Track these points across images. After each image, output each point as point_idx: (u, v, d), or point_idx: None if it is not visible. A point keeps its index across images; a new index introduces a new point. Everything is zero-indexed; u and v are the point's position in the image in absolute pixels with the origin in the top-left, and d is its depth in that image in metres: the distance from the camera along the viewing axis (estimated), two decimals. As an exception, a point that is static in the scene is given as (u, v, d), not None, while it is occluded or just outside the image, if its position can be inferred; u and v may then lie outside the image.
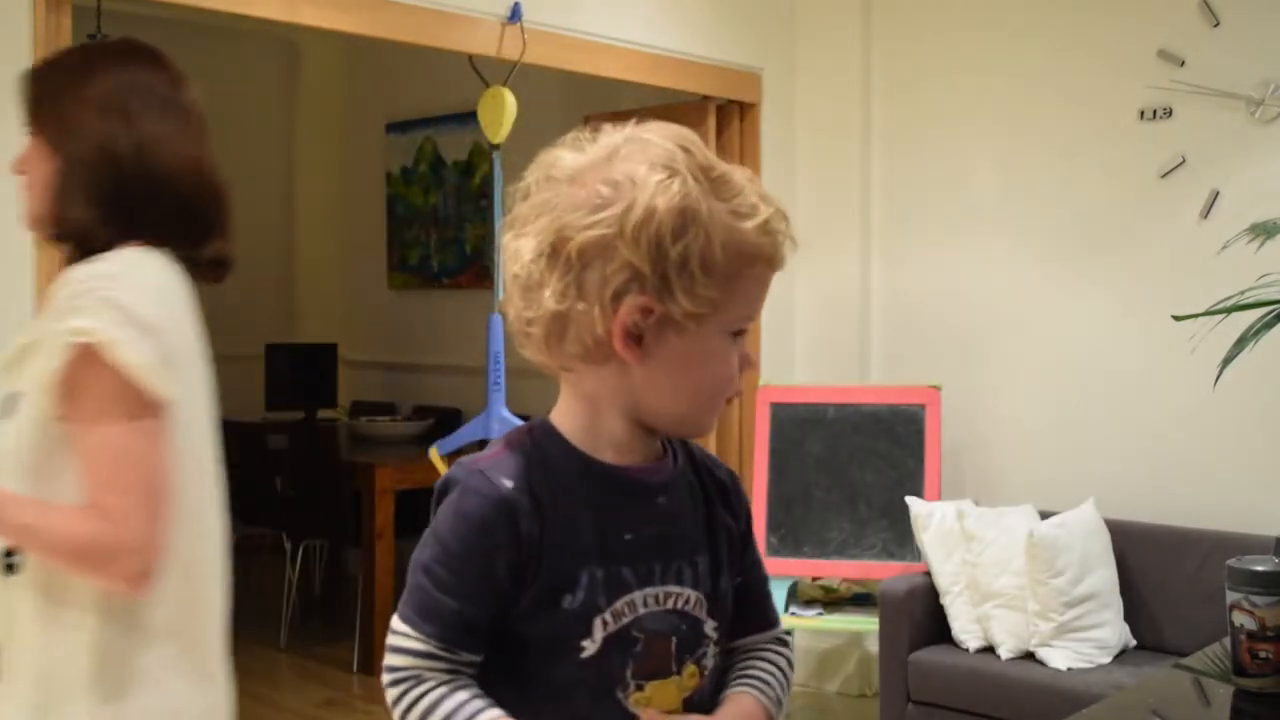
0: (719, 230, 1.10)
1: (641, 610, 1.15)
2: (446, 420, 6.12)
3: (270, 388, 6.69)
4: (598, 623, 1.13)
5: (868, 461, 4.32)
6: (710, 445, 4.69)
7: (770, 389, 4.47)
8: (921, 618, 3.86)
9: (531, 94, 4.26)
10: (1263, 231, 2.80)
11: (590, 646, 1.13)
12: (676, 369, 1.13)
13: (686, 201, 1.09)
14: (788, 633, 1.33)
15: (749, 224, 1.11)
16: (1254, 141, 3.94)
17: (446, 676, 1.13)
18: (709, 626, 1.19)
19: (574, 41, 4.08)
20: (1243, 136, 3.96)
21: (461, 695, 1.12)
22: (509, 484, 1.13)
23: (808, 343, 4.91)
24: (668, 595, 1.16)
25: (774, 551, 4.32)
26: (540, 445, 1.17)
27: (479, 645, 1.14)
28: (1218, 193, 4.00)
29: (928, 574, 3.93)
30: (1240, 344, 2.46)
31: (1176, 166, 4.08)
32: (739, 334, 1.15)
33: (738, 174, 1.14)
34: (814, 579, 4.43)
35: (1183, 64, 4.05)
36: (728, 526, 1.25)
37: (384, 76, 7.04)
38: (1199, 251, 3.97)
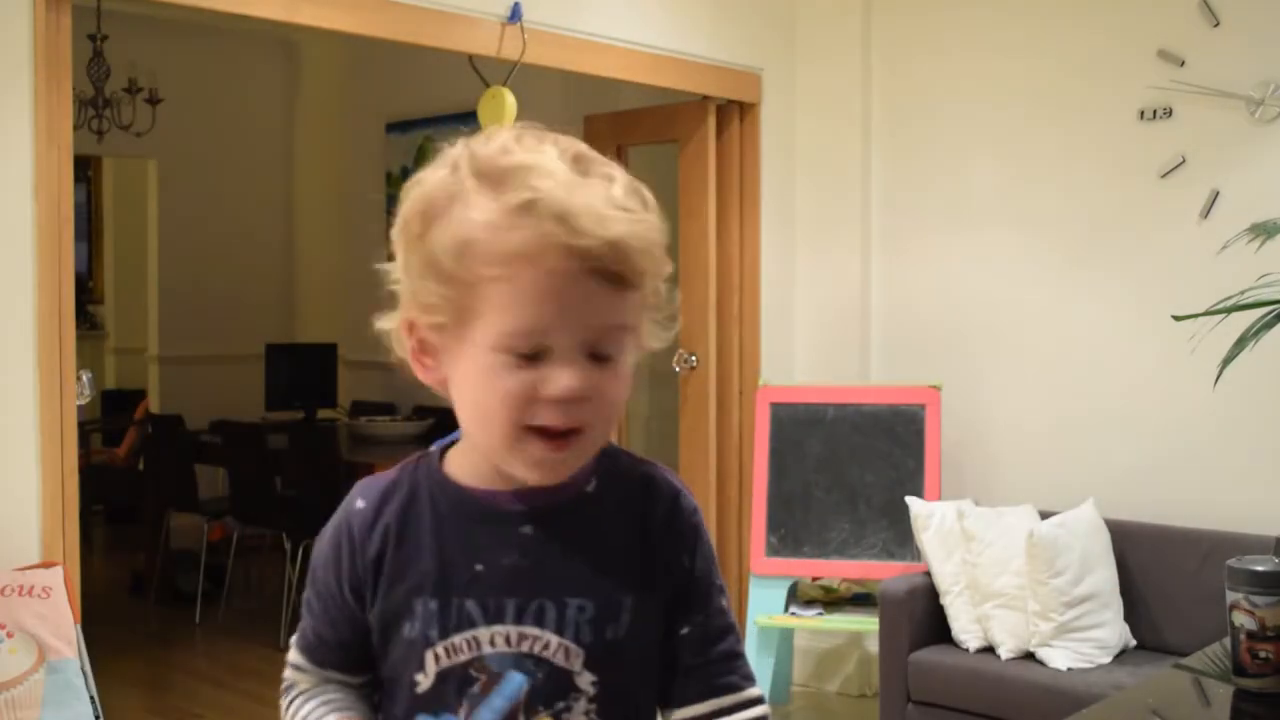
0: (455, 226, 0.96)
1: (487, 649, 1.02)
2: (446, 420, 6.11)
3: (270, 388, 6.69)
4: (429, 656, 1.04)
5: (868, 461, 4.32)
6: (710, 446, 4.69)
7: (770, 389, 4.47)
8: (921, 618, 3.85)
9: (531, 94, 4.25)
10: (1263, 231, 2.80)
11: (424, 681, 1.04)
12: (456, 390, 1.01)
13: (429, 198, 0.98)
14: (758, 701, 1.09)
15: (496, 215, 0.94)
16: (1254, 141, 3.94)
17: (309, 687, 1.13)
18: (583, 679, 1.02)
19: (574, 41, 4.08)
20: (1243, 136, 3.96)
21: (310, 704, 1.11)
22: (361, 504, 1.09)
23: (808, 343, 4.90)
24: (522, 637, 1.02)
25: (774, 551, 4.32)
26: (419, 466, 1.10)
27: (345, 662, 1.11)
28: (1218, 193, 4.00)
29: (928, 574, 3.93)
30: (1240, 344, 2.47)
31: (1176, 166, 4.08)
32: (535, 355, 0.96)
33: (550, 163, 0.96)
34: (814, 579, 4.43)
35: (1183, 64, 4.05)
36: (663, 565, 1.06)
37: (384, 76, 7.04)
38: (1199, 251, 3.97)
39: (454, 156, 1.00)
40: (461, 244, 0.95)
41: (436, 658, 1.04)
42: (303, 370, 6.76)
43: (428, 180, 1.00)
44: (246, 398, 6.87)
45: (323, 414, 6.61)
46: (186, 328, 7.36)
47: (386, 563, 1.06)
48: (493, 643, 1.03)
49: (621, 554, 1.05)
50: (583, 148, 1.02)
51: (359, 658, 1.10)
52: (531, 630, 1.02)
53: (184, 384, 7.26)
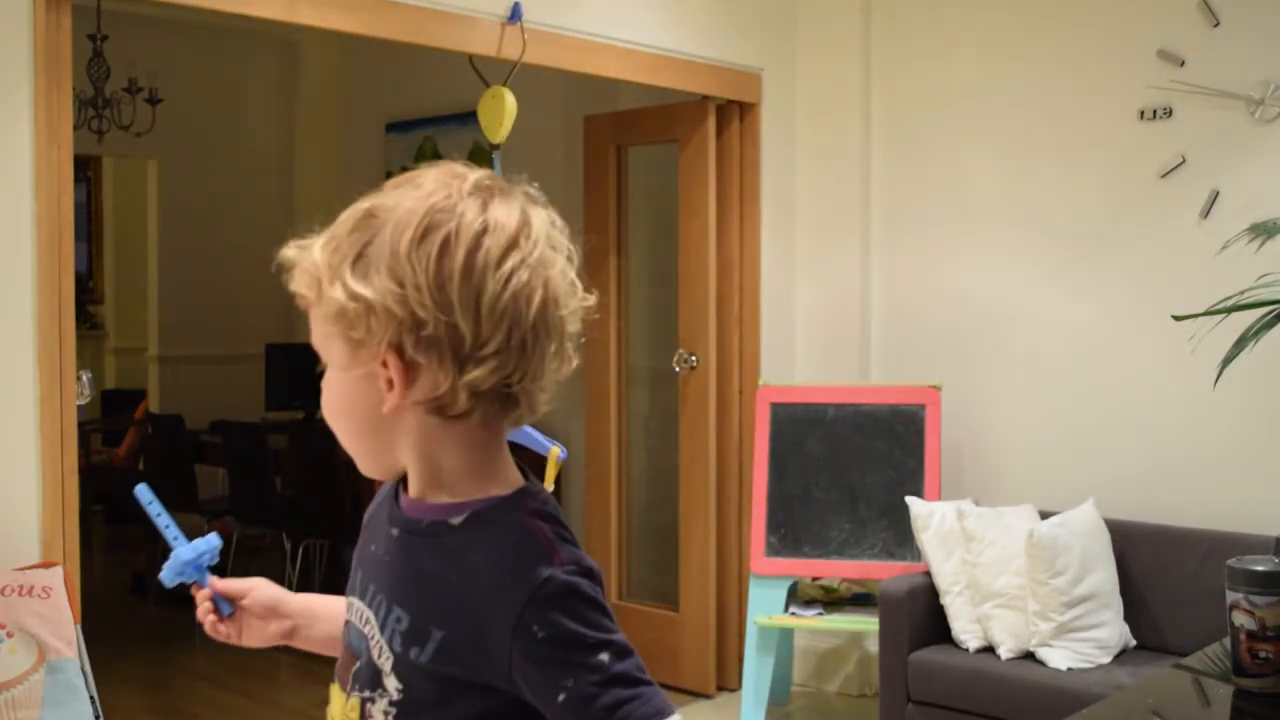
0: None
1: (351, 616, 1.15)
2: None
3: (270, 388, 6.70)
4: (345, 606, 1.19)
5: (868, 461, 4.32)
6: (710, 446, 4.69)
7: (770, 389, 4.47)
8: (921, 618, 3.85)
9: (531, 94, 4.25)
10: (1263, 231, 2.80)
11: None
12: None
13: None
14: None
15: None
16: (1254, 141, 3.94)
17: None
18: (390, 682, 1.08)
19: (574, 41, 4.08)
20: (1243, 136, 3.96)
21: None
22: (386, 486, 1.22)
23: (808, 343, 4.90)
24: (367, 620, 1.12)
25: (774, 551, 4.32)
26: None
27: None
28: (1218, 193, 4.00)
29: (928, 574, 3.93)
30: (1240, 344, 2.47)
31: (1176, 166, 4.08)
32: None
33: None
34: (814, 579, 4.43)
35: (1183, 64, 4.05)
36: (510, 636, 1.02)
37: (384, 76, 7.04)
38: (1199, 251, 3.97)
39: None
40: None
41: (345, 609, 1.18)
42: (303, 370, 6.73)
43: None
44: (246, 398, 6.87)
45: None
46: (186, 328, 7.36)
47: (364, 521, 1.21)
48: (353, 614, 1.14)
49: (455, 594, 1.06)
50: (432, 179, 1.09)
51: None
52: (371, 616, 1.12)
53: (184, 384, 7.26)
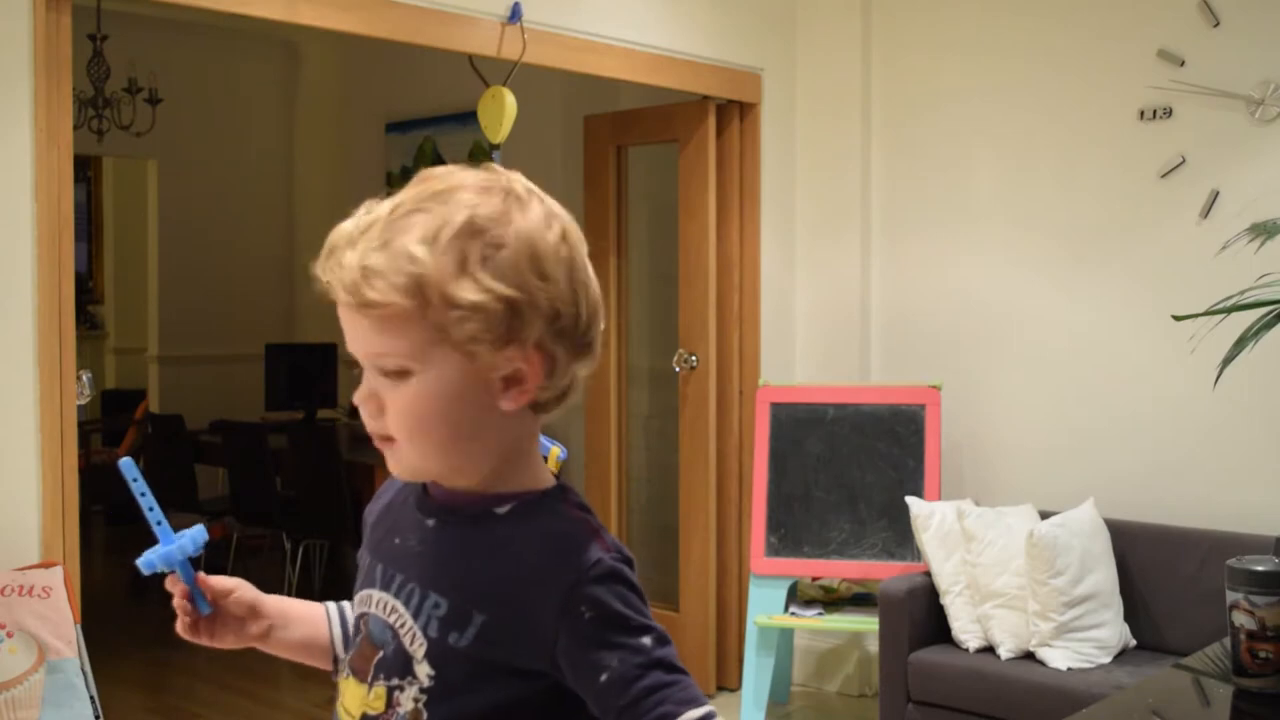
0: None
1: (372, 608, 1.16)
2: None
3: (270, 388, 6.70)
4: (355, 601, 1.20)
5: (868, 461, 4.32)
6: (710, 446, 4.69)
7: (770, 389, 4.47)
8: (921, 618, 3.85)
9: (531, 94, 4.26)
10: (1263, 231, 2.80)
11: (353, 618, 1.21)
12: None
13: None
14: None
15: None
16: (1254, 141, 3.94)
17: None
18: (421, 670, 1.10)
19: (574, 41, 4.08)
20: (1243, 136, 3.96)
21: None
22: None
23: (808, 343, 4.91)
24: (393, 609, 1.13)
25: (774, 551, 4.32)
26: None
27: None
28: (1218, 193, 4.00)
29: (928, 574, 3.93)
30: (1240, 344, 2.47)
31: (1176, 166, 4.08)
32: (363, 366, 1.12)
33: (369, 207, 1.11)
34: (814, 579, 4.43)
35: (1183, 64, 4.05)
36: (557, 618, 1.06)
37: (384, 76, 7.04)
38: (1199, 251, 3.97)
39: None
40: None
41: (356, 604, 1.19)
42: (303, 370, 6.76)
43: None
44: (246, 398, 6.87)
45: (323, 414, 6.61)
46: (186, 328, 7.36)
47: (371, 518, 1.24)
48: (376, 605, 1.15)
49: (500, 579, 1.09)
50: (470, 182, 1.10)
51: None
52: (399, 606, 1.13)
53: (184, 384, 7.26)
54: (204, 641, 1.24)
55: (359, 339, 1.08)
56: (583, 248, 1.11)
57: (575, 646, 1.05)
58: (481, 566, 1.10)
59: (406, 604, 1.12)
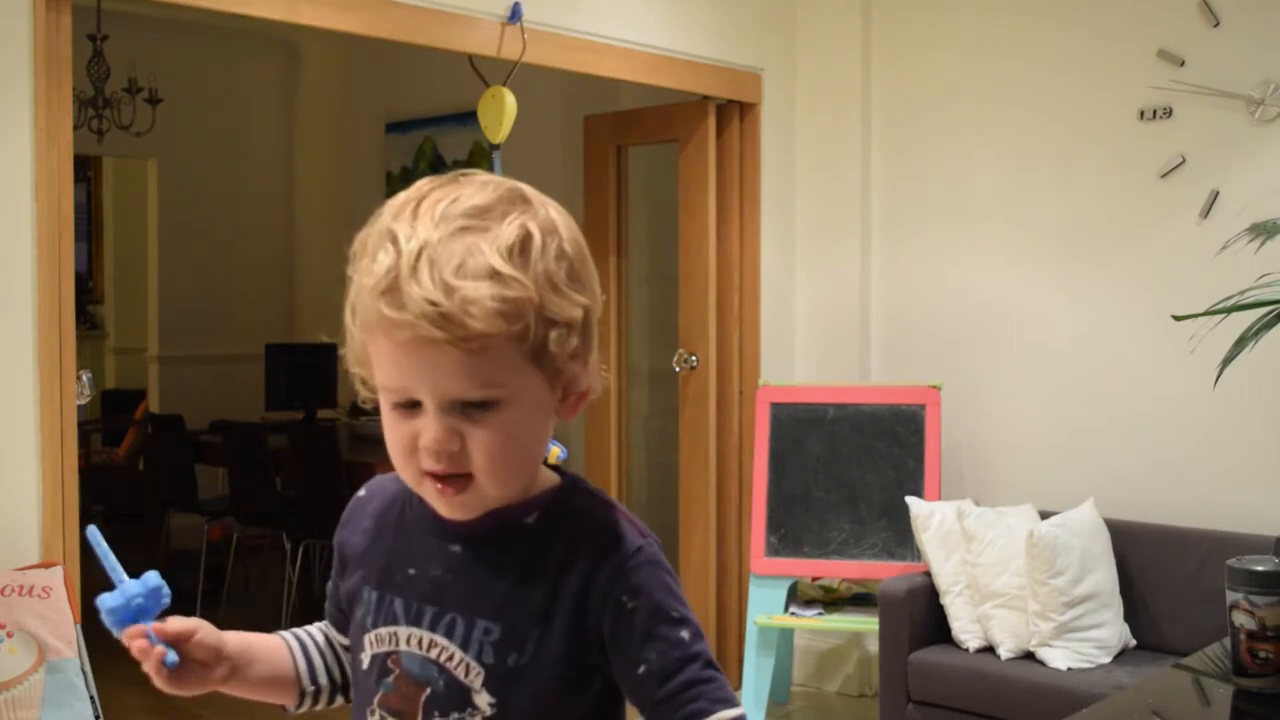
0: (354, 283, 1.04)
1: (403, 646, 1.11)
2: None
3: (270, 388, 6.69)
4: (366, 640, 1.14)
5: (868, 461, 4.32)
6: (710, 446, 4.69)
7: (770, 389, 4.47)
8: (921, 618, 3.85)
9: (531, 94, 4.26)
10: (1263, 231, 2.80)
11: (364, 660, 1.14)
12: None
13: (357, 242, 1.07)
14: None
15: (367, 285, 1.01)
16: (1254, 141, 3.94)
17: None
18: (481, 699, 1.07)
19: (574, 41, 4.08)
20: (1243, 136, 3.96)
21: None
22: (363, 493, 1.22)
23: (808, 343, 4.90)
24: (432, 644, 1.09)
25: (774, 551, 4.32)
26: None
27: (336, 622, 1.24)
28: (1218, 193, 4.00)
29: (928, 574, 3.93)
30: (1240, 344, 2.47)
31: (1176, 166, 4.08)
32: (410, 408, 1.02)
33: (408, 229, 1.00)
34: (814, 579, 4.43)
35: (1183, 64, 4.05)
36: (601, 610, 1.06)
37: (384, 76, 7.04)
38: (1199, 251, 3.97)
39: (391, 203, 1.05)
40: (351, 304, 1.04)
41: (371, 644, 1.13)
42: (303, 370, 6.75)
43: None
44: (246, 398, 6.86)
45: (322, 414, 6.61)
46: (186, 328, 7.36)
47: (355, 549, 1.18)
48: (408, 642, 1.10)
49: (547, 588, 1.07)
50: (492, 196, 1.03)
51: (343, 623, 1.22)
52: (440, 640, 1.09)
53: (184, 384, 7.26)
54: (169, 690, 1.16)
55: (442, 375, 0.99)
56: None
57: (618, 636, 1.05)
58: (525, 582, 1.07)
59: (450, 636, 1.08)
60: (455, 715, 1.08)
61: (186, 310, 7.33)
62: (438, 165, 6.76)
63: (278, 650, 1.23)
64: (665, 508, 5.05)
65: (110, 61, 6.22)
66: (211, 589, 5.87)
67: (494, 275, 0.97)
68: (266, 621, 5.47)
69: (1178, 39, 4.06)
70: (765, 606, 4.28)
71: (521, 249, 0.99)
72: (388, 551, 1.15)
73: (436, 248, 0.98)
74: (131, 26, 6.39)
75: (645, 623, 1.05)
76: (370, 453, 5.61)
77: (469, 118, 4.93)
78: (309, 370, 6.74)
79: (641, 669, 1.05)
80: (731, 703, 1.06)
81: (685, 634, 1.06)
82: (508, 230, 1.00)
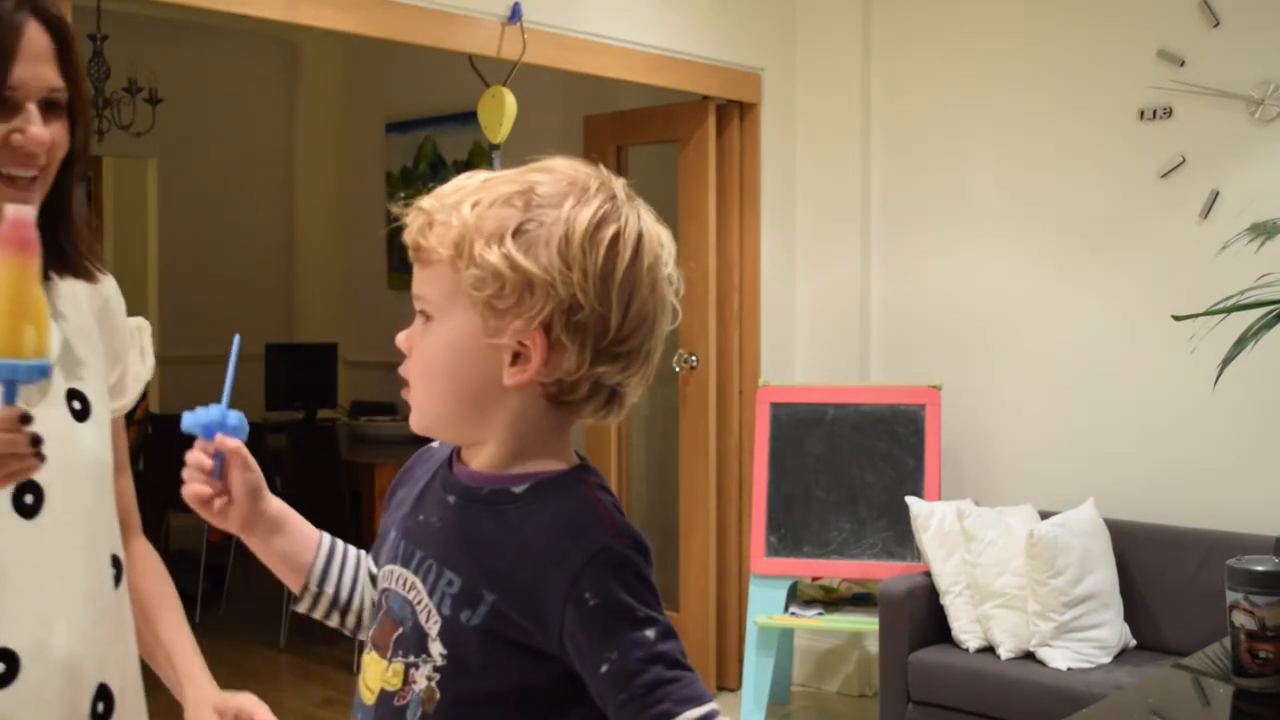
0: None
1: (393, 584, 1.16)
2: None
3: (270, 388, 6.69)
4: (379, 576, 1.20)
5: (868, 461, 4.32)
6: (710, 445, 4.69)
7: (770, 389, 4.47)
8: (921, 618, 3.86)
9: (531, 94, 4.25)
10: (1263, 231, 2.80)
11: (375, 593, 1.21)
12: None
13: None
14: None
15: None
16: (1254, 141, 3.94)
17: None
18: (435, 648, 1.10)
19: (574, 41, 4.08)
20: (1243, 136, 3.96)
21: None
22: (435, 445, 1.25)
23: (808, 343, 4.91)
24: (411, 585, 1.14)
25: (774, 552, 4.32)
26: None
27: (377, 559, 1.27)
28: (1218, 193, 4.00)
29: (928, 574, 3.93)
30: (1240, 344, 2.46)
31: (1176, 166, 4.09)
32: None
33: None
34: (814, 579, 4.43)
35: (1183, 64, 4.05)
36: (563, 600, 1.05)
37: (384, 76, 7.04)
38: (1199, 251, 3.97)
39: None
40: None
41: (380, 579, 1.19)
42: (303, 370, 6.76)
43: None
44: (246, 398, 6.85)
45: (323, 414, 6.61)
46: (186, 328, 7.35)
47: (398, 492, 1.24)
48: (395, 581, 1.16)
49: (512, 558, 1.08)
50: (575, 168, 1.15)
51: (376, 557, 1.26)
52: (416, 582, 1.13)
53: (184, 384, 7.24)
54: (198, 507, 1.18)
55: (414, 280, 1.14)
56: (649, 263, 1.11)
57: (580, 633, 1.05)
58: (494, 545, 1.10)
59: (424, 580, 1.12)
60: (413, 658, 1.11)
61: (186, 310, 7.33)
62: (438, 165, 6.77)
63: (308, 538, 1.26)
64: (665, 508, 5.05)
65: (110, 61, 6.21)
66: (211, 589, 5.87)
67: (457, 209, 1.09)
68: (266, 621, 5.49)
69: (1178, 39, 4.06)
70: (765, 606, 4.28)
71: (500, 200, 1.09)
72: (417, 499, 1.20)
73: (477, 185, 1.12)
74: (131, 26, 6.39)
75: (607, 620, 1.04)
76: (370, 453, 5.61)
77: (469, 118, 4.93)
78: (309, 370, 6.74)
79: (604, 669, 1.04)
80: (699, 701, 1.04)
81: (650, 633, 1.04)
82: (514, 185, 1.10)
